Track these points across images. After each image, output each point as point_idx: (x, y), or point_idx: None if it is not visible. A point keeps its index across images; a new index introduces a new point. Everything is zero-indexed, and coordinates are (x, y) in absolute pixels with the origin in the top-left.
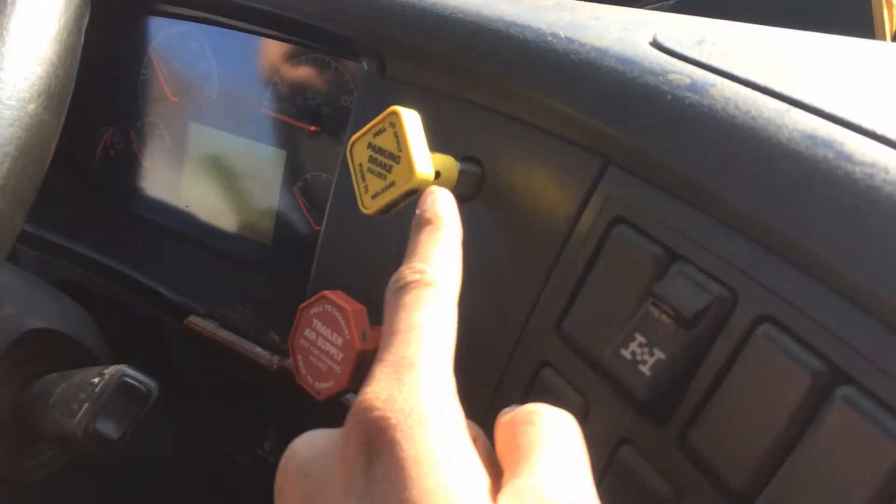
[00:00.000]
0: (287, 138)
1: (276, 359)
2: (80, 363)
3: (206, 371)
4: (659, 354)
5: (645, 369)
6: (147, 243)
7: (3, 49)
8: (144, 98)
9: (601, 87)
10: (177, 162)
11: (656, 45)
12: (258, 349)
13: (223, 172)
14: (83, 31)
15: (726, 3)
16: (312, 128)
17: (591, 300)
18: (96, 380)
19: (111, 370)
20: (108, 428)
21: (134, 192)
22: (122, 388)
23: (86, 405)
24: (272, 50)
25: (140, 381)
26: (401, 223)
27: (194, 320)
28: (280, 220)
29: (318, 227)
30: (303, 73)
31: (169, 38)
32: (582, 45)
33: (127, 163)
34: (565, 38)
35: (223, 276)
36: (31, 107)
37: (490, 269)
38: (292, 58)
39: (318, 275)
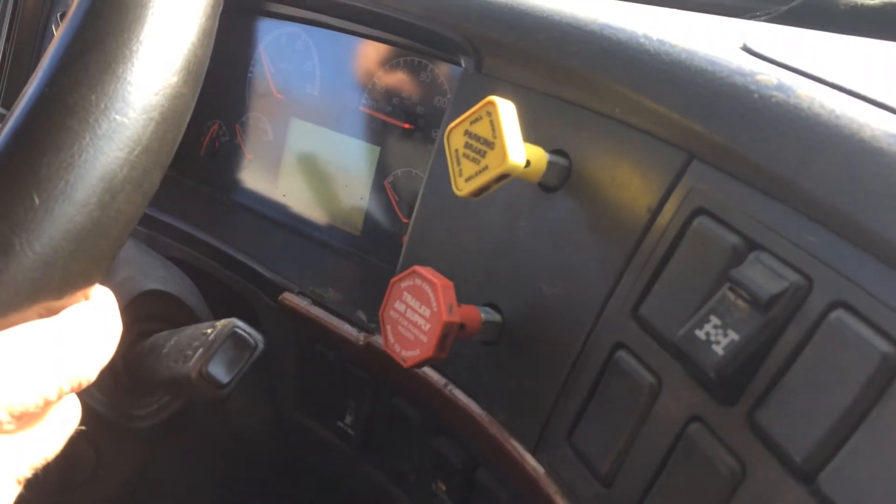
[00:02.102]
0: (381, 135)
1: (362, 335)
2: (186, 325)
3: (294, 347)
4: (733, 336)
5: (718, 349)
6: (246, 228)
7: (151, 26)
8: (251, 94)
9: (690, 86)
10: (276, 155)
11: (746, 49)
12: (346, 326)
13: (319, 166)
14: (218, 17)
15: (826, 17)
16: (406, 125)
17: (669, 286)
18: (209, 331)
19: (223, 322)
20: (219, 372)
21: (236, 181)
22: (233, 338)
23: (200, 350)
24: (371, 52)
25: (248, 333)
26: (485, 212)
27: (288, 296)
28: (370, 212)
29: (406, 220)
30: (399, 73)
31: (278, 38)
32: (673, 46)
33: (231, 154)
34: (657, 39)
35: (314, 261)
36: (173, 80)
37: (571, 255)
38: (390, 59)
39: (408, 255)
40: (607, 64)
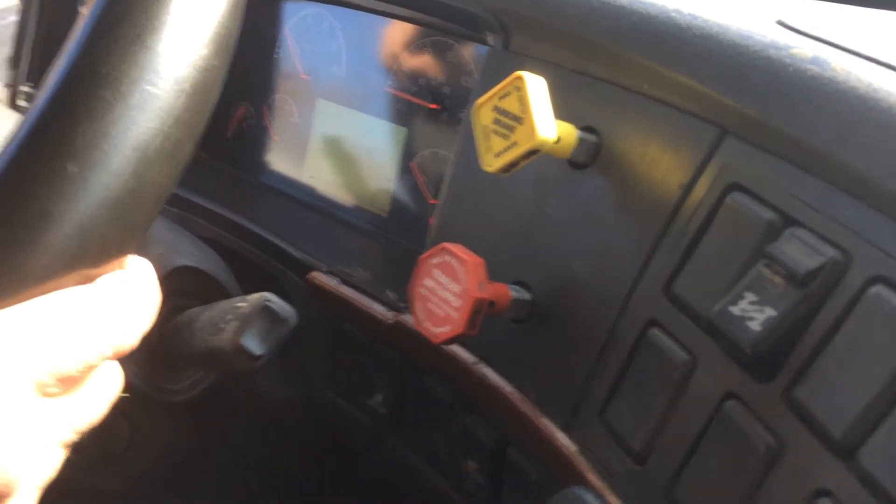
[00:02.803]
0: (407, 116)
1: (391, 314)
2: (217, 300)
3: (322, 326)
4: (769, 312)
5: (754, 325)
6: (273, 208)
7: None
8: (277, 76)
9: (723, 60)
10: (303, 136)
11: (781, 23)
12: (375, 305)
13: (345, 147)
14: None
15: None
16: (433, 106)
17: (702, 263)
18: (242, 304)
19: (255, 296)
20: (253, 344)
21: (263, 162)
22: (266, 310)
23: (233, 323)
24: (397, 32)
25: (281, 307)
26: (514, 190)
27: (317, 275)
28: (397, 194)
29: (433, 201)
30: (425, 54)
31: (303, 19)
32: (705, 20)
33: (258, 136)
34: (688, 13)
35: (342, 241)
36: (204, 52)
37: (602, 232)
38: (416, 39)
39: (437, 234)
40: (637, 38)
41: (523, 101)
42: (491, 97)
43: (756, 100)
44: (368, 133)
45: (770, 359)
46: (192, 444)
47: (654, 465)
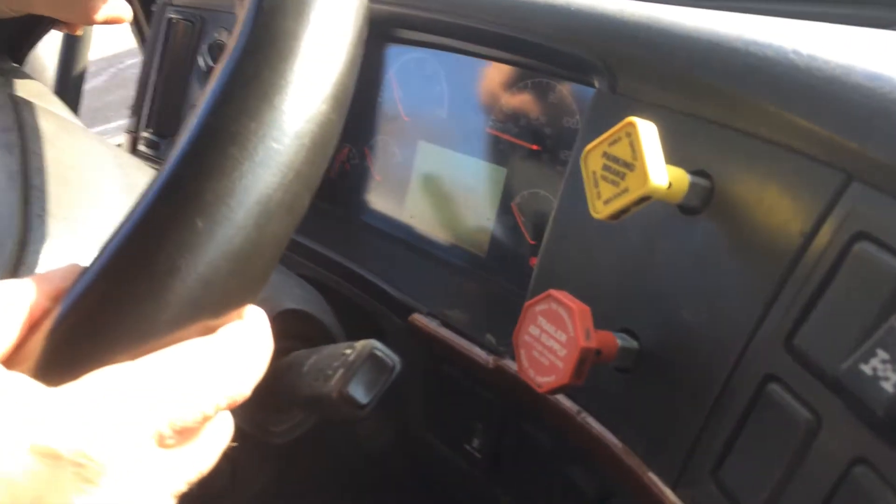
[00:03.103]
0: (508, 156)
1: (492, 358)
2: (320, 342)
3: (422, 368)
4: None
5: (888, 386)
6: (374, 248)
7: (304, 58)
8: (380, 118)
9: (846, 103)
10: (404, 176)
11: None
12: (476, 348)
13: (445, 187)
14: (363, 46)
15: None
16: (534, 147)
17: (827, 315)
18: (348, 351)
19: (361, 343)
20: (358, 392)
21: (365, 202)
22: (372, 359)
23: (340, 371)
24: (499, 74)
25: (387, 355)
26: (621, 234)
27: (418, 317)
28: (496, 234)
29: (532, 242)
30: (526, 94)
31: (407, 63)
32: (826, 61)
33: (360, 176)
34: (808, 54)
35: (441, 281)
36: (323, 107)
37: (715, 280)
38: (518, 81)
39: (540, 278)
40: (753, 81)
41: (635, 148)
42: (600, 143)
43: (886, 145)
44: (468, 173)
45: None
46: (291, 486)
47: None
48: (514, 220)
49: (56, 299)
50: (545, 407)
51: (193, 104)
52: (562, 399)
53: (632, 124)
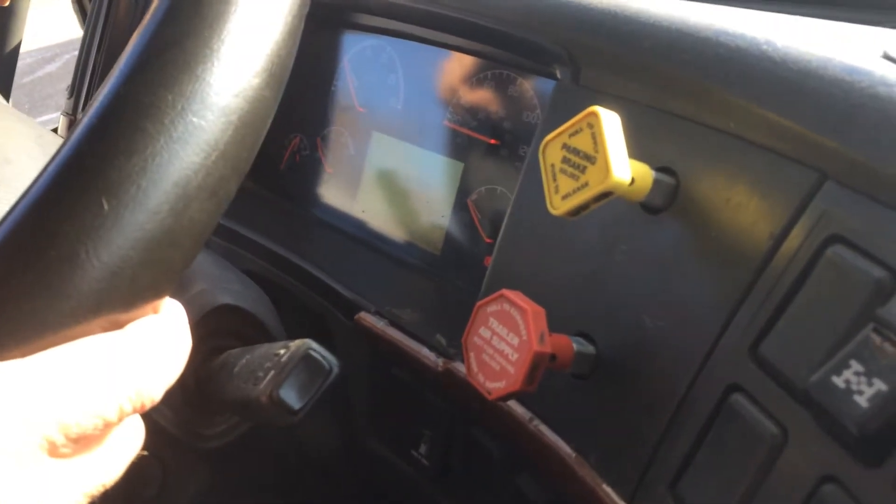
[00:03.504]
0: (465, 151)
1: (441, 361)
2: (259, 342)
3: (369, 371)
4: (879, 385)
5: (861, 400)
6: (323, 244)
7: (234, 25)
8: (333, 107)
9: (823, 97)
10: (357, 169)
11: (888, 57)
12: (424, 350)
13: (400, 181)
14: (304, 18)
15: None
16: (493, 141)
17: (796, 322)
18: (282, 351)
19: (296, 343)
20: (291, 397)
21: (315, 195)
22: (307, 361)
23: (271, 373)
24: (458, 64)
25: (323, 357)
26: (579, 234)
27: (364, 317)
28: (451, 231)
29: (489, 240)
30: (486, 87)
31: (362, 51)
32: (801, 53)
33: (311, 167)
34: (782, 46)
35: (392, 279)
36: (255, 81)
37: (678, 284)
38: (477, 73)
39: (493, 278)
40: (723, 73)
41: (597, 140)
42: (560, 134)
43: (865, 143)
44: (424, 167)
45: (879, 439)
46: (226, 492)
47: None
48: (469, 217)
49: None
50: (496, 413)
51: None
52: (513, 405)
53: (594, 114)
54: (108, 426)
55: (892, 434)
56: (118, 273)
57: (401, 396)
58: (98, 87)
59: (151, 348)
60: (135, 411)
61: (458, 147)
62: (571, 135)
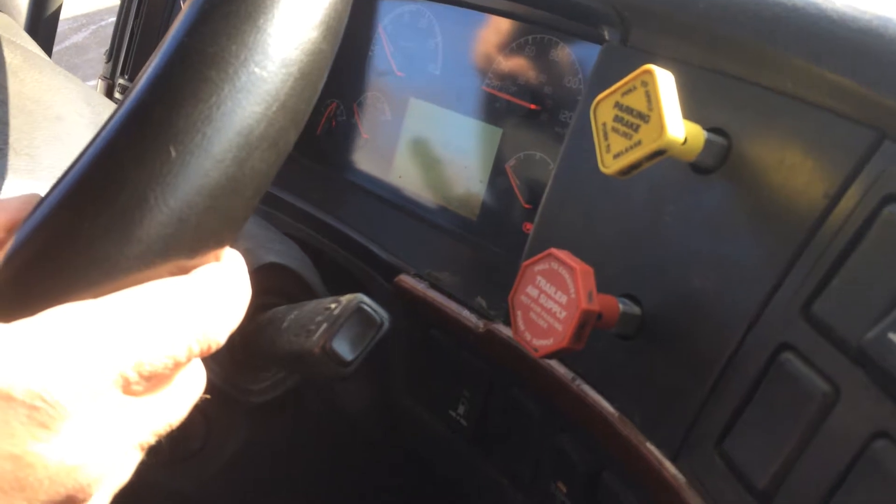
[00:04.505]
0: (505, 116)
1: (482, 322)
2: (302, 300)
3: (407, 333)
4: None
5: None
6: (359, 208)
7: None
8: (370, 73)
9: (884, 56)
10: (394, 135)
11: None
12: (465, 311)
13: (437, 147)
14: None
15: None
16: (533, 106)
17: (850, 283)
18: (333, 305)
19: (347, 297)
20: (343, 348)
21: (351, 161)
22: (359, 314)
23: (324, 326)
24: (498, 29)
25: (374, 310)
26: (626, 194)
27: (405, 279)
28: (488, 197)
29: (527, 206)
30: (527, 52)
31: (400, 16)
32: (861, 12)
33: (347, 133)
34: (841, 5)
35: (429, 243)
36: (313, 34)
37: (728, 245)
38: (517, 37)
39: (537, 239)
40: (781, 32)
41: (652, 98)
42: (613, 92)
43: None
44: (462, 133)
45: None
46: (265, 449)
47: None
48: (508, 182)
49: (11, 230)
50: (537, 374)
51: None
52: (556, 365)
53: (649, 72)
54: (177, 366)
55: None
56: (184, 219)
57: (439, 358)
58: (134, 52)
59: (216, 293)
60: (202, 354)
61: (497, 112)
62: (624, 93)
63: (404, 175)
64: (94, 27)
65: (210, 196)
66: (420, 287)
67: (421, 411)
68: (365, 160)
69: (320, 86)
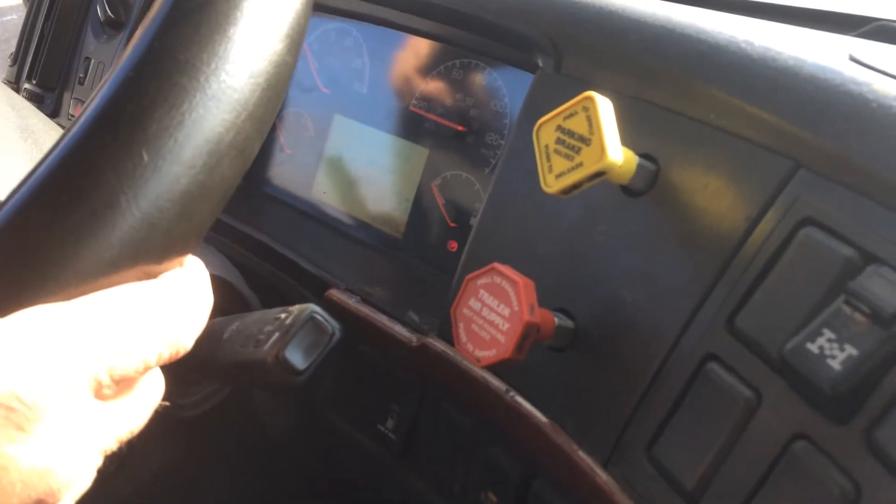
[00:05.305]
0: (431, 136)
1: (415, 336)
2: (236, 313)
3: (335, 346)
4: (850, 350)
5: (834, 364)
6: (283, 223)
7: None
8: (294, 88)
9: (799, 93)
10: (317, 151)
11: (854, 60)
12: (398, 326)
13: (362, 165)
14: None
15: None
16: (460, 128)
17: (770, 297)
18: (283, 315)
19: (299, 307)
20: (296, 358)
21: (272, 175)
22: (312, 323)
23: (275, 336)
24: (427, 51)
25: (326, 320)
26: (560, 214)
27: (335, 293)
28: (414, 215)
29: (453, 224)
30: (454, 75)
31: (325, 34)
32: (779, 52)
33: (268, 147)
34: (760, 45)
35: (355, 259)
36: (279, 46)
37: (656, 262)
38: (446, 60)
39: (472, 255)
40: (706, 67)
41: (593, 122)
42: (555, 116)
43: (836, 134)
44: (387, 152)
45: (849, 399)
46: (188, 465)
47: None
48: (433, 201)
49: None
50: (472, 386)
51: (88, 56)
52: (490, 378)
53: (590, 98)
54: (146, 370)
55: (860, 394)
56: (155, 224)
57: (367, 373)
58: (43, 56)
59: (184, 298)
60: (170, 358)
61: (424, 132)
62: (566, 117)
63: (329, 191)
64: None
65: (180, 202)
66: (351, 302)
67: (346, 427)
68: (286, 175)
69: (282, 96)
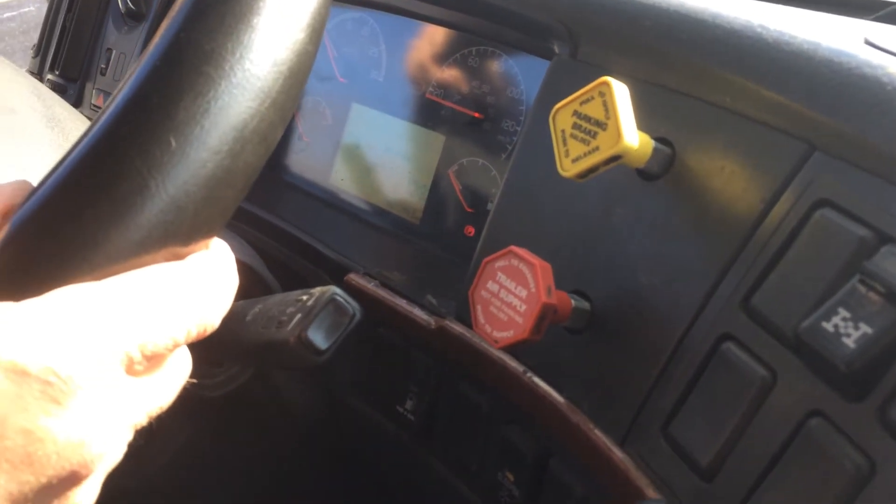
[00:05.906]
0: (448, 123)
1: (433, 319)
2: (256, 295)
3: (354, 329)
4: (865, 329)
5: (849, 342)
6: (302, 210)
7: None
8: (311, 77)
9: (814, 76)
10: (335, 139)
11: (869, 43)
12: (416, 309)
13: (379, 152)
14: None
15: None
16: (476, 115)
17: (785, 278)
18: (304, 297)
19: (321, 289)
20: (318, 338)
21: (291, 163)
22: (333, 304)
23: (297, 317)
24: (442, 39)
25: (347, 301)
26: (577, 198)
27: (354, 277)
28: (431, 201)
29: (470, 210)
30: (471, 63)
31: (342, 23)
32: (793, 36)
33: (287, 136)
34: (775, 29)
35: (373, 244)
36: (301, 35)
37: (672, 244)
38: (462, 48)
39: (489, 239)
40: (721, 52)
41: (608, 107)
42: (571, 101)
43: (852, 117)
44: (405, 139)
45: (864, 376)
46: (211, 443)
47: (724, 482)
48: (450, 187)
49: (6, 216)
50: (490, 367)
51: (109, 48)
52: (507, 359)
53: (606, 84)
54: (175, 347)
55: (874, 371)
56: (183, 207)
57: (387, 355)
58: (66, 47)
59: (211, 279)
60: (198, 336)
61: (440, 119)
62: (583, 102)
63: (346, 178)
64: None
65: (206, 186)
66: (370, 286)
67: (365, 408)
68: (305, 163)
69: (304, 84)
